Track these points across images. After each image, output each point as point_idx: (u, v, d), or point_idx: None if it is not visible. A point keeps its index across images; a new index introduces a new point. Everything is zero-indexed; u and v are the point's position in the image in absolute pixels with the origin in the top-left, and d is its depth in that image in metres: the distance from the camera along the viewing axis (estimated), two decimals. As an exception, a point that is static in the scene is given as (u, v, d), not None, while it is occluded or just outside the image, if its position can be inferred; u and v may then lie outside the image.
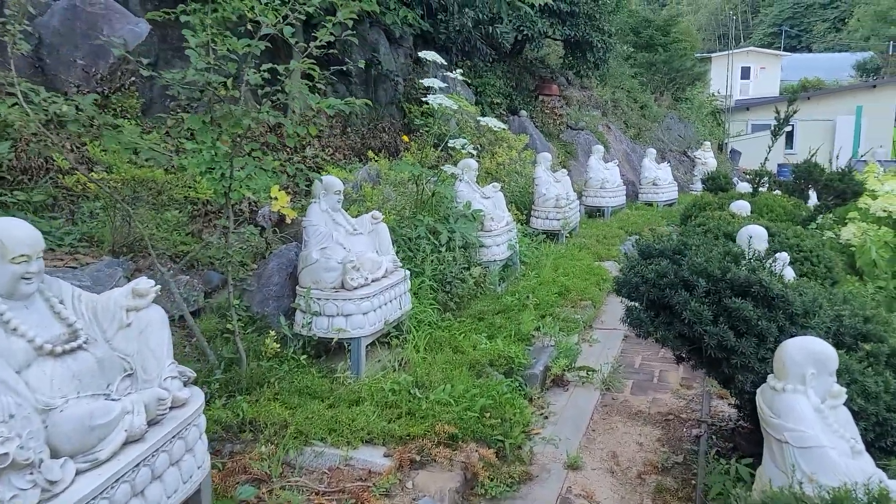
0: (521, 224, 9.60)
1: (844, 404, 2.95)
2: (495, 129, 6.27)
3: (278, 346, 4.56)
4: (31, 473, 2.09)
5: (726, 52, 29.31)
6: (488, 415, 4.17)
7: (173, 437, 2.67)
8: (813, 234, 6.02)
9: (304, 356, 4.64)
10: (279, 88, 4.11)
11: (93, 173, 4.83)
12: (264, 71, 4.05)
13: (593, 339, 6.33)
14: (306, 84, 4.31)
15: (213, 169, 4.02)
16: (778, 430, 2.78)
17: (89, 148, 5.22)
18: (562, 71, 16.77)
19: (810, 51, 51.80)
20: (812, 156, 13.31)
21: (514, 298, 6.53)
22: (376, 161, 7.52)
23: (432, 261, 6.24)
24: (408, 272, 5.49)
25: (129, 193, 4.98)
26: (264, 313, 5.05)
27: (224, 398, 4.04)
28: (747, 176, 21.68)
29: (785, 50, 42.21)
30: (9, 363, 2.29)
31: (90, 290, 2.98)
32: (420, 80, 6.71)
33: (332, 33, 4.27)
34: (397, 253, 6.00)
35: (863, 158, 18.03)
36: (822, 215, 7.49)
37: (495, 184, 7.79)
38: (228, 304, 4.33)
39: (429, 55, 6.42)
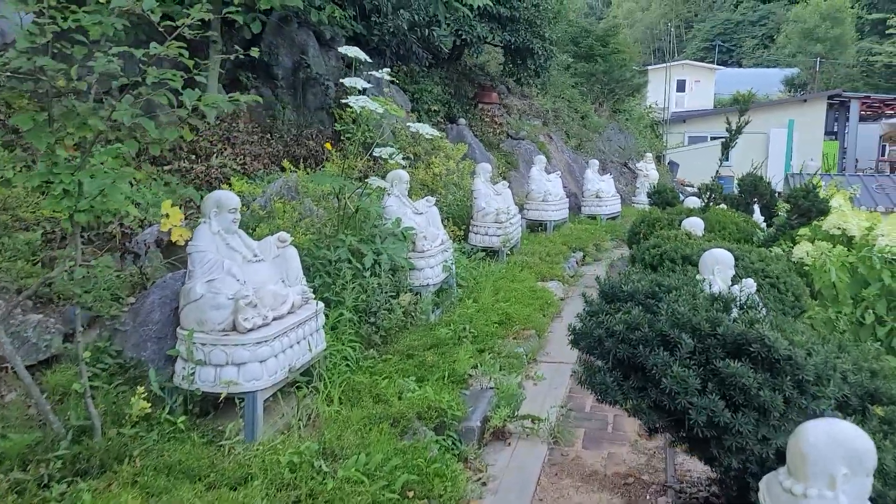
0: (459, 241, 8.78)
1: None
2: (428, 136, 5.42)
3: (149, 404, 3.58)
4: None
5: (663, 65, 29.30)
6: (412, 494, 3.29)
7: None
8: (778, 257, 5.38)
9: (184, 417, 3.68)
10: (139, 80, 3.15)
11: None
12: (115, 56, 3.07)
13: (538, 377, 5.52)
14: (181, 76, 3.35)
15: (52, 183, 3.03)
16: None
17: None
18: (502, 78, 16.08)
19: (740, 66, 52.88)
20: (755, 169, 12.93)
21: (450, 329, 5.68)
22: (294, 172, 6.57)
23: (354, 288, 5.33)
24: (321, 305, 4.57)
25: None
26: (140, 359, 4.05)
27: (64, 484, 3.05)
28: (689, 188, 21.40)
29: (717, 65, 42.81)
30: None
31: None
32: (342, 81, 5.81)
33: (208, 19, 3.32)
34: (313, 279, 5.09)
35: (801, 172, 17.91)
36: (784, 235, 6.88)
37: (429, 198, 6.93)
38: (76, 355, 3.33)
39: (350, 51, 5.54)
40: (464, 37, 12.73)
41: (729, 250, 5.21)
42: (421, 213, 6.71)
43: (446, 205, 9.16)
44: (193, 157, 7.05)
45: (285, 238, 4.52)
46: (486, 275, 7.82)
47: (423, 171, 9.85)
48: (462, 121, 12.77)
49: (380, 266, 5.67)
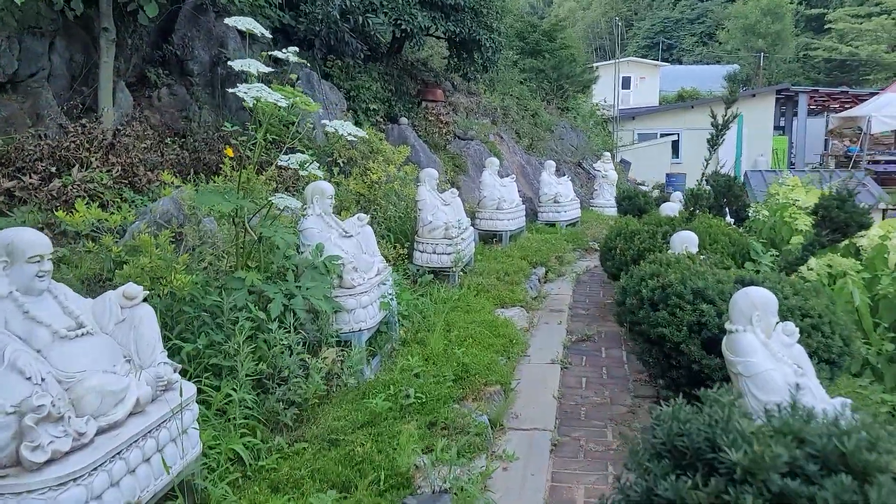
0: (402, 262, 7.31)
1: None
2: (349, 136, 3.94)
3: None
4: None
5: (611, 62, 28.35)
6: None
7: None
8: (817, 289, 4.09)
9: None
10: None
11: None
12: None
13: (509, 455, 4.07)
14: None
15: None
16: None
17: None
18: (447, 74, 14.65)
19: (680, 63, 52.76)
20: (721, 167, 11.80)
21: (389, 395, 4.20)
22: (176, 186, 4.99)
23: (254, 349, 3.82)
24: (192, 390, 3.05)
25: None
26: None
27: None
28: (642, 187, 20.38)
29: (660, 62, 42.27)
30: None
31: None
32: (229, 63, 4.25)
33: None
34: (198, 337, 3.59)
35: (761, 169, 16.98)
36: (814, 257, 5.62)
37: (361, 215, 5.44)
38: None
39: (240, 22, 4.00)
40: (403, 27, 11.25)
41: (754, 282, 3.91)
42: (350, 236, 5.22)
43: (385, 219, 7.68)
44: (54, 168, 5.41)
45: (134, 293, 2.99)
46: (436, 303, 6.38)
47: (358, 181, 8.35)
48: (404, 120, 11.30)
49: (293, 314, 4.17)
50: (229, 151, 5.07)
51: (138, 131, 6.83)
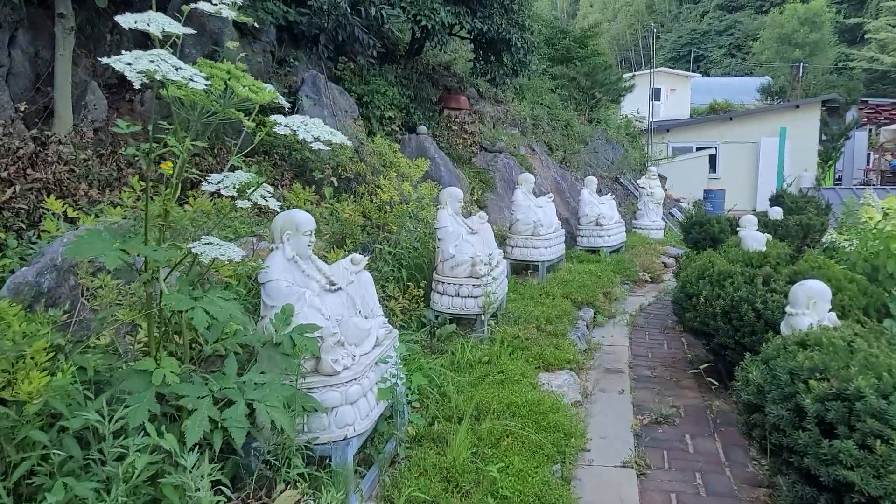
0: (416, 306, 5.63)
1: None
2: (315, 142, 2.29)
3: None
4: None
5: (644, 72, 26.55)
6: None
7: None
8: None
9: None
10: None
11: None
12: None
13: None
14: None
15: None
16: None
17: None
18: (472, 80, 12.99)
19: (708, 75, 50.77)
20: (789, 186, 10.02)
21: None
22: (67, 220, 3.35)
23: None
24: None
25: None
26: None
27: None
28: (682, 203, 18.48)
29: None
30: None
31: None
32: (116, 19, 2.60)
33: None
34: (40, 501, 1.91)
35: (791, 184, 15.05)
36: None
37: (356, 256, 3.75)
38: None
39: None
40: (424, 24, 9.60)
41: None
42: (338, 289, 3.54)
43: (395, 250, 6.00)
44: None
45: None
46: (460, 373, 4.69)
47: (366, 201, 6.71)
48: (423, 129, 9.64)
49: (228, 433, 2.49)
50: (165, 166, 3.40)
51: (76, 140, 5.22)
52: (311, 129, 2.30)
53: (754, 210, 21.75)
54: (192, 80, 2.11)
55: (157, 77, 2.05)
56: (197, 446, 2.40)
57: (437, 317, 5.63)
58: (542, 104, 15.38)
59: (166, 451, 2.35)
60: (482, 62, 11.52)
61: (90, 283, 3.07)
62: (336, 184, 6.47)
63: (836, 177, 23.51)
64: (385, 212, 6.77)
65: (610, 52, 37.93)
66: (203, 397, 2.52)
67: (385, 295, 5.04)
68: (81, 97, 6.44)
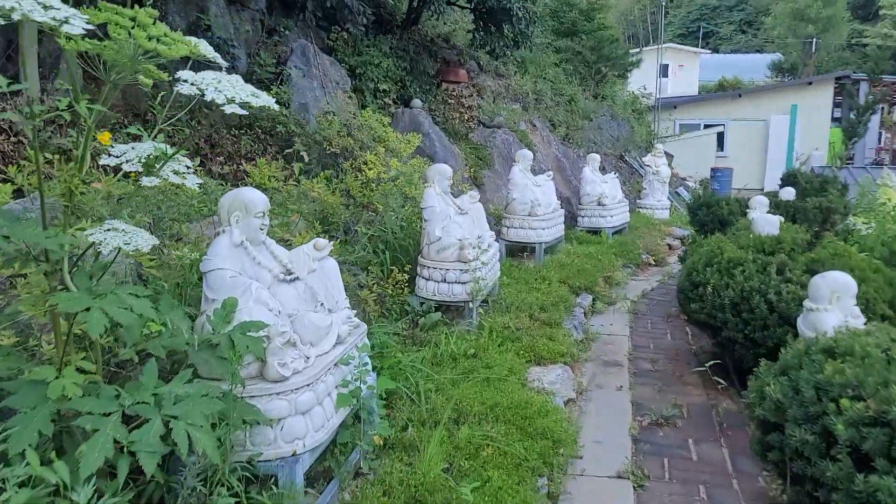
0: (401, 291, 5.18)
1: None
2: (226, 104, 1.83)
3: None
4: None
5: (651, 47, 25.79)
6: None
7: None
8: None
9: None
10: None
11: None
12: None
13: None
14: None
15: None
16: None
17: None
18: (472, 52, 12.41)
19: (717, 52, 49.72)
20: (802, 165, 9.47)
21: None
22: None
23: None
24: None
25: None
26: None
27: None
28: (688, 182, 17.89)
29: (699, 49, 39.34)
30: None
31: None
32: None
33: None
34: None
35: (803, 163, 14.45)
36: None
37: (319, 241, 3.28)
38: None
39: None
40: (419, -10, 9.07)
41: None
42: (294, 278, 3.09)
43: (375, 231, 5.53)
44: None
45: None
46: (441, 367, 4.26)
47: (350, 179, 6.25)
48: (417, 102, 9.12)
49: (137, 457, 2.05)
50: (103, 137, 2.92)
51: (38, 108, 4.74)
52: (224, 88, 1.83)
53: (762, 190, 21.16)
54: (66, 22, 1.64)
55: (15, 16, 1.58)
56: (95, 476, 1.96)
57: (422, 304, 5.18)
58: (545, 78, 14.77)
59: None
60: (482, 33, 10.94)
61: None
62: (307, 158, 5.99)
63: (848, 156, 22.80)
64: (371, 189, 6.30)
65: (617, 27, 37.05)
66: (110, 414, 2.08)
67: (357, 283, 4.59)
68: (56, 63, 5.96)
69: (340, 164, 6.89)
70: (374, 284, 4.71)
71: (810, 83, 22.74)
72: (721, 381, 4.61)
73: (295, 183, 5.20)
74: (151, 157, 1.97)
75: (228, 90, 1.82)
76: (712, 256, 4.66)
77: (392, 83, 9.75)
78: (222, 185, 5.46)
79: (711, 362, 4.55)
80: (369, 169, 6.35)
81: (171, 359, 2.71)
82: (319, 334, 2.94)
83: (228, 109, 1.79)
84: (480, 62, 12.83)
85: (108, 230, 2.00)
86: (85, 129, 2.13)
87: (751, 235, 5.26)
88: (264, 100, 1.90)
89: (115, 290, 2.06)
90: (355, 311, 3.38)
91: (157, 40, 1.94)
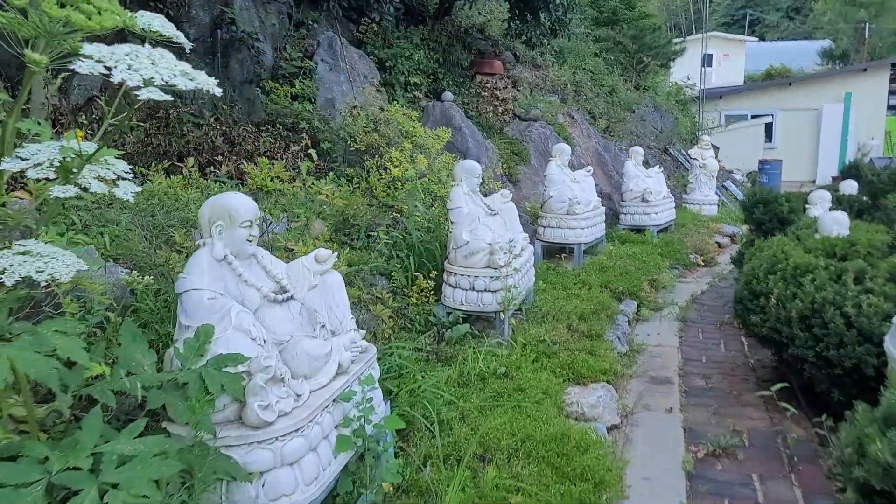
0: (426, 300, 4.70)
1: None
2: (165, 94, 1.39)
3: None
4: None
5: (696, 36, 24.77)
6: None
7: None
8: None
9: None
10: None
11: None
12: None
13: None
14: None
15: None
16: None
17: None
18: (507, 42, 11.85)
19: (763, 40, 47.96)
20: (865, 155, 8.70)
21: None
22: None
23: None
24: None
25: None
26: None
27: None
28: (735, 175, 17.04)
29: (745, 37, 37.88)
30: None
31: None
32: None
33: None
34: None
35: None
36: None
37: (321, 252, 2.82)
38: None
39: None
40: (451, -23, 8.56)
41: None
42: (289, 298, 2.63)
43: (397, 235, 5.05)
44: None
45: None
46: (466, 389, 3.76)
47: (374, 178, 5.79)
48: (448, 95, 8.62)
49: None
50: (76, 134, 2.50)
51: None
52: (140, 66, 1.36)
53: (814, 182, 20.07)
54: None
55: None
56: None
57: (448, 314, 4.69)
58: (584, 69, 14.12)
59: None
60: (517, 21, 10.40)
61: None
62: (315, 157, 5.55)
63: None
64: (396, 189, 5.84)
65: (659, 16, 35.89)
66: (31, 484, 1.64)
67: (372, 297, 4.11)
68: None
69: (366, 161, 6.46)
70: (391, 297, 4.23)
71: (865, 70, 21.49)
72: (789, 407, 4.00)
73: (300, 185, 4.75)
74: (69, 159, 1.52)
75: (146, 69, 1.35)
76: (775, 262, 4.05)
77: (423, 76, 9.29)
78: (238, 186, 5.07)
79: (779, 385, 3.95)
80: (394, 166, 5.89)
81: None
82: (315, 365, 2.48)
83: (144, 95, 1.33)
84: (516, 53, 12.27)
85: (20, 253, 1.55)
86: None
87: (816, 236, 4.63)
88: (201, 81, 1.42)
89: (36, 329, 1.62)
90: (366, 330, 2.92)
91: (77, 7, 1.48)
